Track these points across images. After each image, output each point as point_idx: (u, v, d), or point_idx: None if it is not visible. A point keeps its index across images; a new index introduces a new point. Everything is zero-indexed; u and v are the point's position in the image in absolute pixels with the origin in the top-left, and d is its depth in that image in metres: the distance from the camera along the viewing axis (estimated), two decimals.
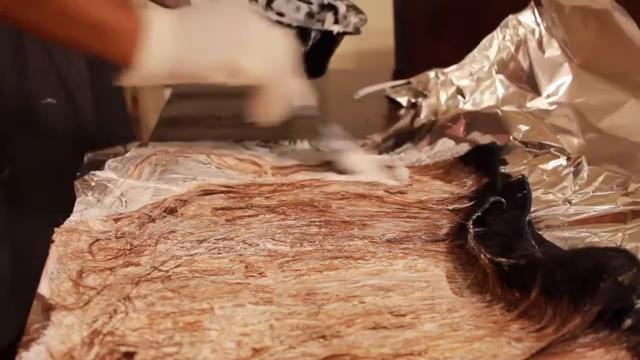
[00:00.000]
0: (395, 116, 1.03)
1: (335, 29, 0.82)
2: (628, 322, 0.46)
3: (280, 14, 0.87)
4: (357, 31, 0.84)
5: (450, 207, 0.69)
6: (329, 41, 0.84)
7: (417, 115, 0.94)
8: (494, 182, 0.71)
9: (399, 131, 0.94)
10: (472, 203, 0.68)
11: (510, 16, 0.92)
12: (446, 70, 1.00)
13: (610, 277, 0.45)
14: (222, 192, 0.70)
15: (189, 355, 0.45)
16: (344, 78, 1.28)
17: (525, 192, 0.66)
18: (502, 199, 0.65)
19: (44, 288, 0.50)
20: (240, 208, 0.67)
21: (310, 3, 0.89)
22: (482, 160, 0.77)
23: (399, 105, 1.08)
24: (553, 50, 0.90)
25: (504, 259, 0.54)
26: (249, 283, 0.54)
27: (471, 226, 0.61)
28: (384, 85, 1.16)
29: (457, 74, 0.93)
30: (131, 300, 0.50)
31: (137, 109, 1.79)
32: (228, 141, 0.86)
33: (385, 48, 1.39)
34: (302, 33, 0.80)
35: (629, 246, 0.60)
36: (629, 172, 0.71)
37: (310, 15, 0.89)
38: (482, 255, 0.56)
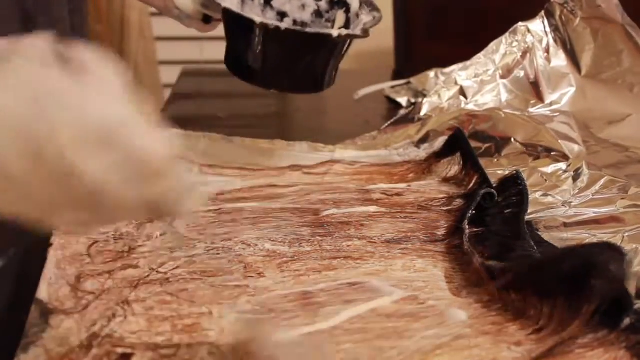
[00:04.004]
0: (395, 116, 1.02)
1: (335, 32, 0.67)
2: (626, 321, 0.46)
3: (283, 14, 0.77)
4: (364, 34, 0.69)
5: (447, 208, 0.69)
6: (330, 46, 0.69)
7: (417, 111, 0.95)
8: (484, 175, 0.71)
9: (396, 123, 0.94)
10: (468, 202, 0.69)
11: (519, 23, 0.93)
12: (447, 70, 1.00)
13: (599, 273, 0.45)
14: (213, 199, 0.70)
15: (185, 357, 0.45)
16: (344, 78, 1.27)
17: (521, 187, 0.66)
18: (493, 191, 0.66)
19: (43, 293, 0.50)
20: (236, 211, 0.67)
21: (319, 0, 0.77)
22: (457, 147, 0.78)
23: (398, 106, 1.08)
24: (559, 60, 0.90)
25: (493, 263, 0.54)
26: (248, 285, 0.54)
27: (466, 227, 0.62)
28: (383, 85, 1.16)
29: (462, 74, 0.94)
30: (130, 304, 0.50)
31: None
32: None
33: (385, 48, 1.39)
34: (298, 37, 0.67)
35: (628, 248, 0.60)
36: (629, 179, 0.71)
37: (318, 14, 0.77)
38: (474, 259, 0.56)
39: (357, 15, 0.75)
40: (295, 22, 0.77)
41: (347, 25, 0.76)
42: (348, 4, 0.76)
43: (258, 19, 0.66)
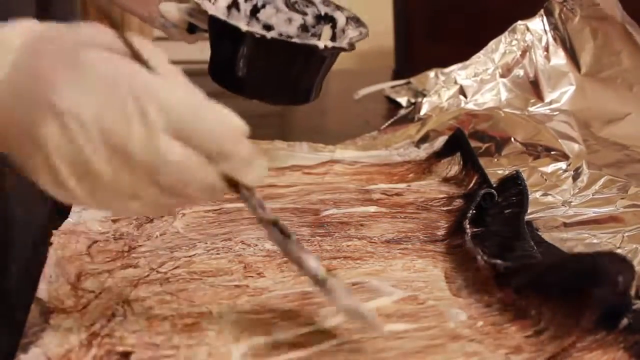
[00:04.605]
0: (395, 116, 1.03)
1: (321, 43, 0.67)
2: (624, 321, 0.46)
3: (269, 27, 0.77)
4: (350, 47, 0.69)
5: (447, 208, 0.69)
6: (316, 58, 0.69)
7: (417, 111, 0.95)
8: (484, 175, 0.71)
9: (396, 123, 0.95)
10: (467, 202, 0.69)
11: (519, 22, 0.93)
12: (447, 69, 1.00)
13: (603, 283, 0.45)
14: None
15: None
16: (344, 78, 1.28)
17: (521, 187, 0.66)
18: (493, 191, 0.66)
19: (43, 292, 0.50)
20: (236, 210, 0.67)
21: (305, 14, 0.77)
22: (456, 147, 0.78)
23: (398, 106, 1.08)
24: (559, 59, 0.91)
25: (499, 261, 0.54)
26: (248, 285, 0.54)
27: (468, 226, 0.62)
28: (383, 85, 1.16)
29: (462, 73, 0.94)
30: (130, 303, 0.50)
31: None
32: None
33: (385, 48, 1.39)
34: (284, 47, 0.68)
35: (628, 248, 0.60)
36: (629, 178, 0.72)
37: (304, 28, 0.77)
38: (478, 257, 0.56)
39: (344, 31, 0.75)
40: (280, 36, 0.76)
41: (333, 40, 0.76)
42: (334, 19, 0.76)
43: (244, 27, 0.66)
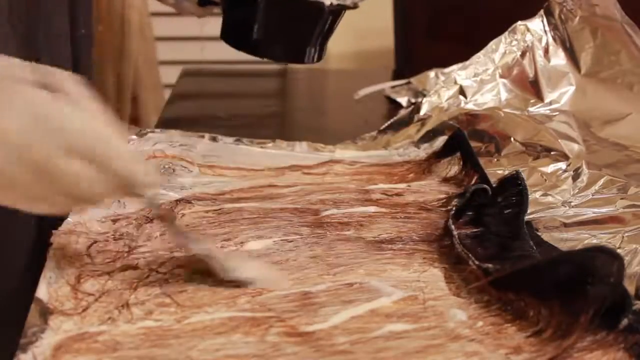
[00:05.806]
0: (395, 116, 1.03)
1: (327, 1, 0.71)
2: (625, 322, 0.46)
3: None
4: (354, 5, 0.73)
5: (447, 208, 0.69)
6: (323, 16, 0.73)
7: (417, 111, 0.95)
8: (484, 175, 0.71)
9: (396, 123, 0.95)
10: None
11: (518, 22, 0.93)
12: (447, 70, 1.00)
13: (595, 279, 0.45)
14: (213, 199, 0.70)
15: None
16: (344, 78, 1.28)
17: (520, 187, 0.66)
18: (485, 186, 0.66)
19: (42, 292, 0.50)
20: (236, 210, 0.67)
21: None
22: (456, 148, 0.78)
23: (399, 106, 1.08)
24: (559, 59, 0.90)
25: (490, 265, 0.54)
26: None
27: (453, 226, 0.61)
28: (383, 85, 1.16)
29: (462, 74, 0.94)
30: (129, 307, 0.50)
31: (137, 109, 1.79)
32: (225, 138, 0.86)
33: (385, 48, 1.39)
34: (292, 5, 0.72)
35: (627, 248, 0.60)
36: (629, 178, 0.72)
37: None
38: (470, 262, 0.56)
39: None
40: None
41: None
42: None
43: None
